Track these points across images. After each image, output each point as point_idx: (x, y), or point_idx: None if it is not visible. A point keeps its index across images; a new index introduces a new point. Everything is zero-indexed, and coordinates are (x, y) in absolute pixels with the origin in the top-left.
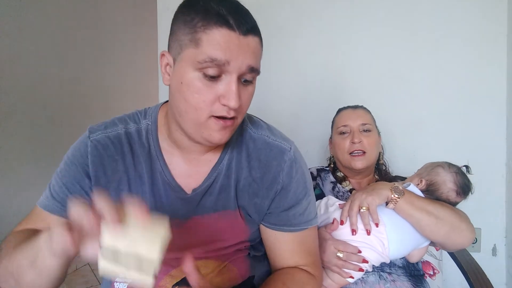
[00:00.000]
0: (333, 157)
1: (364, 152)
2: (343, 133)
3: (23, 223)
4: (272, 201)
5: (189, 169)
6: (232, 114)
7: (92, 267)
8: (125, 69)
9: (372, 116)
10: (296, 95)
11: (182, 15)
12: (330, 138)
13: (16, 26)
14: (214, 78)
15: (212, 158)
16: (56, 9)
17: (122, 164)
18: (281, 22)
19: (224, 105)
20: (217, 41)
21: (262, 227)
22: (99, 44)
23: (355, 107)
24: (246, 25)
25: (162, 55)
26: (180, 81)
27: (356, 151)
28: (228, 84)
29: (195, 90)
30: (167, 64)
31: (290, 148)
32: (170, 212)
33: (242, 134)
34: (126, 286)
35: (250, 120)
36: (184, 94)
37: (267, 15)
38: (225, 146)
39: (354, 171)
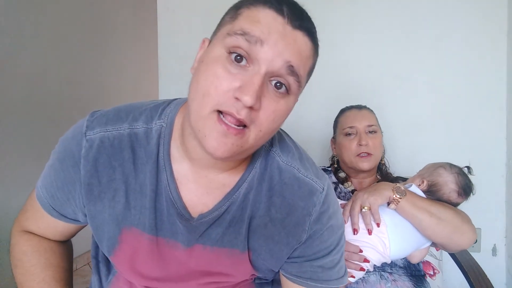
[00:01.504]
0: (335, 156)
1: (370, 154)
2: (349, 134)
3: (27, 215)
4: (294, 250)
5: (198, 189)
6: (242, 114)
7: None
8: (125, 69)
9: (376, 116)
10: None
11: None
12: (333, 138)
13: (16, 26)
14: (240, 65)
15: (228, 182)
16: (56, 9)
17: (120, 172)
18: None
19: (237, 99)
20: (257, 17)
21: (284, 279)
22: (99, 44)
23: (360, 107)
24: (301, 21)
25: (203, 42)
26: (202, 60)
27: (363, 153)
28: (251, 75)
29: (212, 72)
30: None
31: (323, 189)
32: (170, 234)
33: (267, 160)
34: None
35: (280, 144)
36: (198, 77)
37: None
38: (246, 171)
39: (359, 172)
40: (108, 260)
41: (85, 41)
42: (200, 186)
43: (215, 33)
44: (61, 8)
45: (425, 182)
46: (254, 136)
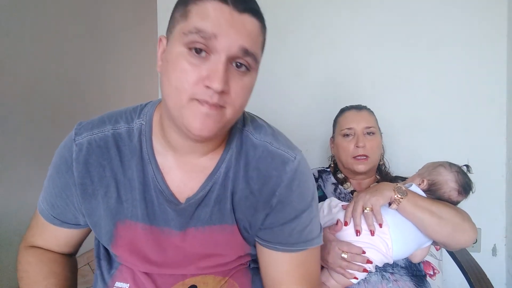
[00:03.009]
0: (333, 156)
1: (367, 157)
2: (347, 135)
3: (32, 232)
4: (266, 216)
5: (183, 175)
6: (215, 99)
7: (92, 267)
8: (125, 69)
9: (375, 117)
10: (296, 94)
11: None
12: (332, 137)
13: (16, 26)
14: (201, 57)
15: (209, 164)
16: (56, 9)
17: (109, 170)
18: (282, 22)
19: (208, 87)
20: (206, 12)
21: (258, 245)
22: (99, 44)
23: (359, 108)
24: (244, 4)
25: (160, 40)
26: (167, 60)
27: (359, 156)
28: (215, 64)
29: (179, 69)
30: (164, 50)
31: (295, 158)
32: (163, 222)
33: (242, 139)
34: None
35: (253, 123)
36: (168, 75)
37: (268, 15)
38: (223, 152)
39: (356, 173)
40: (110, 257)
41: (85, 41)
42: (185, 172)
43: (170, 31)
44: (61, 8)
45: (425, 181)
46: (230, 112)
